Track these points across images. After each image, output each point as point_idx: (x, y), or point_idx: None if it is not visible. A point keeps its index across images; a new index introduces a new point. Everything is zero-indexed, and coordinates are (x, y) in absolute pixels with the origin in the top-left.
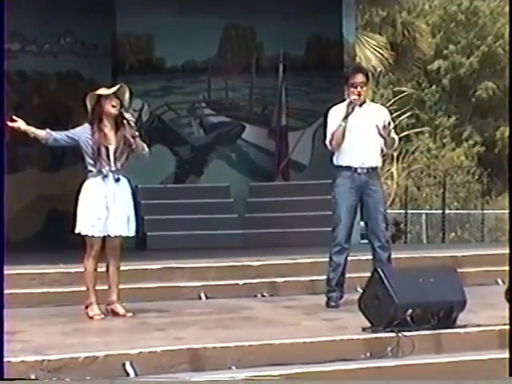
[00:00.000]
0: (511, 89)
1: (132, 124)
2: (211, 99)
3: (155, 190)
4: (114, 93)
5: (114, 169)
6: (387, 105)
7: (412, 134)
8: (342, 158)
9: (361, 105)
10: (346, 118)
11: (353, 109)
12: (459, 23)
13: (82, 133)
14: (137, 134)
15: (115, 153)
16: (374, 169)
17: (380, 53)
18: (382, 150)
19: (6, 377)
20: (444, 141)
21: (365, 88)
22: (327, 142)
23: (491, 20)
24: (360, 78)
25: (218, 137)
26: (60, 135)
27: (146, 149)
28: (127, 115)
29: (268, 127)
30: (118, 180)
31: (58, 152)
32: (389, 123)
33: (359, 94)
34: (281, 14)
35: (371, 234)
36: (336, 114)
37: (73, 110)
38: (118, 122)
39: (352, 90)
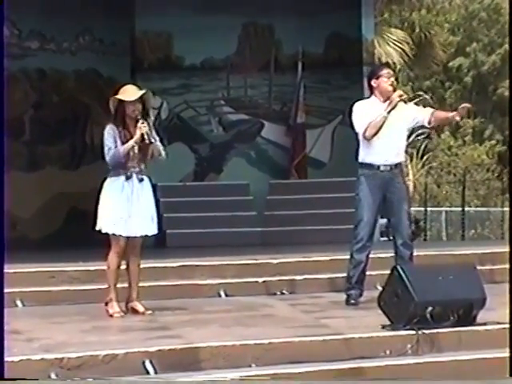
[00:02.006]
0: (511, 89)
1: (146, 137)
2: (230, 97)
3: (174, 187)
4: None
5: (137, 169)
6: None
7: (433, 132)
8: (366, 156)
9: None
10: (390, 110)
11: (395, 105)
12: (481, 21)
13: (114, 135)
14: (155, 140)
15: (139, 154)
16: (397, 165)
17: (400, 47)
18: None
19: (16, 375)
20: (465, 139)
21: (395, 83)
22: (361, 131)
23: None
24: (390, 71)
25: (237, 134)
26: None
27: (163, 153)
28: (140, 125)
29: (287, 125)
30: (141, 180)
31: (78, 150)
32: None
33: (392, 85)
34: (299, 11)
35: (395, 231)
36: (365, 107)
37: (91, 108)
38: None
39: (385, 80)
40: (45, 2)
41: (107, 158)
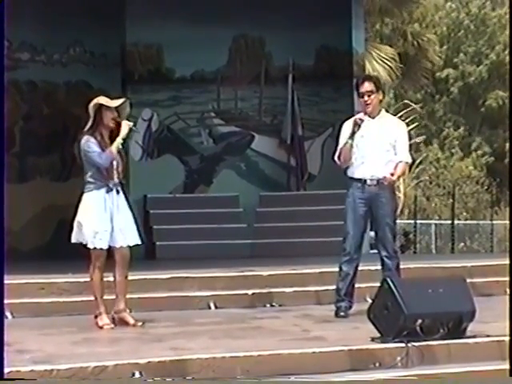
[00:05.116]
0: (511, 93)
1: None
2: (220, 109)
3: (164, 199)
4: (116, 107)
5: (117, 181)
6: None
7: (421, 144)
8: (353, 171)
9: (373, 117)
10: (352, 135)
11: (359, 127)
12: (468, 31)
13: (95, 143)
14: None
15: (117, 166)
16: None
17: (388, 65)
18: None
19: None
20: (453, 151)
21: (373, 96)
22: (335, 158)
23: (500, 28)
24: (366, 86)
25: (227, 147)
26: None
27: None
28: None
29: (278, 137)
30: (118, 192)
31: (68, 162)
32: (392, 174)
33: (367, 103)
34: (290, 24)
35: (380, 243)
36: (347, 128)
37: (82, 120)
38: (113, 136)
39: (360, 99)
40: (36, 13)
41: (102, 161)
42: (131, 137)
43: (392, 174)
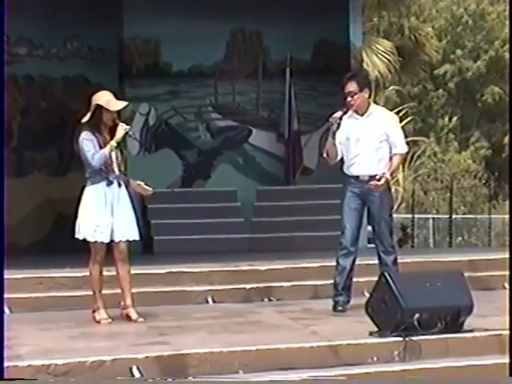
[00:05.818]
0: (511, 87)
1: (129, 134)
2: (218, 103)
3: (162, 194)
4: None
5: (117, 174)
6: (391, 108)
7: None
8: (346, 168)
9: (362, 114)
10: (333, 134)
11: (338, 125)
12: (466, 27)
13: (92, 141)
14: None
15: (117, 158)
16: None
17: (387, 58)
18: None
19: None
20: (449, 144)
21: (356, 97)
22: (324, 154)
23: (498, 24)
24: (349, 87)
25: (224, 141)
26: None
27: None
28: (122, 125)
29: (275, 131)
30: (120, 185)
31: (65, 156)
32: (379, 178)
33: (350, 104)
34: (287, 18)
35: (376, 238)
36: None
37: (79, 114)
38: (112, 130)
39: (346, 100)
40: (33, 8)
41: (94, 162)
42: (127, 139)
43: (379, 180)
